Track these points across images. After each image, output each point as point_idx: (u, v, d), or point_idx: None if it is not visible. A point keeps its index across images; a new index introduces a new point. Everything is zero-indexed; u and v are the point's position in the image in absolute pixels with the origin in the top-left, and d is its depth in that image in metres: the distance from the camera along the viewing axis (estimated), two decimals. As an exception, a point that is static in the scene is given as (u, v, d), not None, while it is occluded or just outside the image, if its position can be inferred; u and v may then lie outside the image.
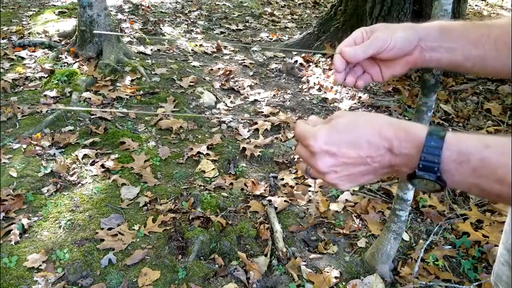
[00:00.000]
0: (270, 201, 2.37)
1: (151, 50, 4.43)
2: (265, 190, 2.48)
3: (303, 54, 4.57)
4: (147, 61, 4.09)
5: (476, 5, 8.66)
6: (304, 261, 2.00)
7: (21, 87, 3.41)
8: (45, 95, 3.27)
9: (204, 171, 2.60)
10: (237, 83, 3.93)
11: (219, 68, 4.19)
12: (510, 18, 0.67)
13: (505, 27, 0.66)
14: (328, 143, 0.53)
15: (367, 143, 0.52)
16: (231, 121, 3.24)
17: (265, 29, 5.78)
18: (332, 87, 3.82)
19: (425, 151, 0.49)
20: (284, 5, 7.32)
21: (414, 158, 0.50)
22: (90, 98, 3.29)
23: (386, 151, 0.52)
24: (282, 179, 2.58)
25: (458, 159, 0.48)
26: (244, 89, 3.82)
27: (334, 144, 0.53)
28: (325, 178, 0.57)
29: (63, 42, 4.31)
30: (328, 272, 1.94)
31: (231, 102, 3.55)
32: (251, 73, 4.18)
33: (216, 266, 1.95)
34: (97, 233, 2.07)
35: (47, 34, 4.54)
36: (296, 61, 4.38)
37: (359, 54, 0.68)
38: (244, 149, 2.82)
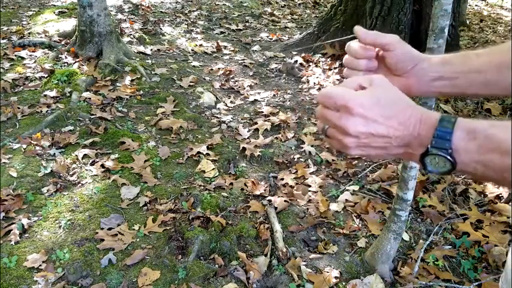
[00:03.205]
0: (270, 201, 2.37)
1: (151, 50, 4.43)
2: (265, 190, 2.48)
3: (303, 54, 4.57)
4: (147, 61, 4.09)
5: (476, 5, 8.66)
6: (304, 261, 2.00)
7: (21, 87, 3.41)
8: (45, 95, 3.27)
9: (204, 171, 2.60)
10: (237, 83, 3.93)
11: (219, 68, 4.19)
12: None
13: (507, 53, 0.67)
14: (369, 109, 0.54)
15: (398, 124, 0.54)
16: (231, 121, 3.24)
17: (265, 29, 5.78)
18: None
19: (439, 130, 0.52)
20: (284, 5, 7.33)
21: (428, 138, 0.53)
22: (90, 98, 3.29)
23: (410, 133, 0.55)
24: (282, 179, 2.59)
25: (466, 137, 0.52)
26: (244, 89, 3.82)
27: (373, 113, 0.54)
28: (344, 140, 0.56)
29: (63, 42, 4.32)
30: (328, 272, 1.94)
31: (231, 102, 3.55)
32: (251, 73, 4.18)
33: (216, 266, 1.95)
34: (97, 233, 2.07)
35: (47, 34, 4.54)
36: (296, 61, 4.38)
37: (371, 34, 0.69)
38: (244, 149, 2.82)
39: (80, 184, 2.42)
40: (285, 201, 2.37)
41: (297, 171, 2.66)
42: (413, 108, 0.56)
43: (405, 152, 0.57)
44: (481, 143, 0.51)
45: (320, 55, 4.55)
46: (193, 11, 6.23)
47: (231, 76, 4.05)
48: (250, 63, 4.40)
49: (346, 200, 2.42)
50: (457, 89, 0.70)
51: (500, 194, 2.44)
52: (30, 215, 2.16)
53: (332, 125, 0.58)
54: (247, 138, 3.02)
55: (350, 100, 0.54)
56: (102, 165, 2.55)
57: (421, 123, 0.54)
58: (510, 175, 0.50)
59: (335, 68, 4.23)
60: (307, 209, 2.35)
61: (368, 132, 0.55)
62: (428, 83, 0.70)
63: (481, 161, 0.51)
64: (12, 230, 2.04)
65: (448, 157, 0.52)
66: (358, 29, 0.69)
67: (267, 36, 5.42)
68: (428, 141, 0.53)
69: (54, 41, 4.33)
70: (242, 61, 4.46)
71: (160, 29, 5.16)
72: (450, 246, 2.12)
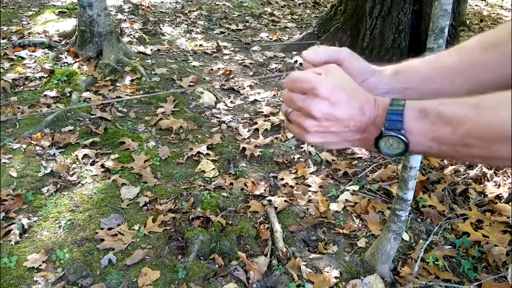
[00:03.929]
0: (270, 201, 2.37)
1: (151, 50, 4.43)
2: (265, 190, 2.48)
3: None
4: (147, 61, 4.09)
5: (476, 5, 8.66)
6: (304, 261, 2.00)
7: (21, 87, 3.41)
8: (45, 95, 3.27)
9: (204, 171, 2.60)
10: (237, 83, 3.93)
11: (219, 68, 4.19)
12: (462, 46, 0.69)
13: (459, 57, 0.68)
14: (333, 92, 0.55)
15: (358, 108, 0.56)
16: (231, 121, 3.24)
17: (265, 29, 5.78)
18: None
19: (390, 111, 0.54)
20: (284, 5, 7.32)
21: (382, 121, 0.55)
22: (90, 98, 3.29)
23: (367, 118, 0.56)
24: (282, 179, 2.59)
25: (418, 116, 0.53)
26: (244, 89, 3.82)
27: (337, 96, 0.55)
28: (305, 122, 0.57)
29: (63, 42, 4.32)
30: (328, 272, 1.94)
31: (231, 102, 3.55)
32: (251, 73, 4.18)
33: (216, 266, 1.95)
34: (97, 233, 2.07)
35: (47, 34, 4.54)
36: (296, 61, 4.38)
37: (319, 54, 0.68)
38: (244, 149, 2.82)
39: (80, 184, 2.42)
40: (285, 201, 2.37)
41: (297, 171, 2.66)
42: (368, 94, 0.58)
43: (362, 138, 0.58)
44: (433, 120, 0.52)
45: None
46: (193, 11, 6.23)
47: (231, 76, 4.05)
48: (250, 63, 4.40)
49: (346, 200, 2.42)
50: (409, 100, 0.70)
51: (500, 194, 2.44)
52: (30, 215, 2.16)
53: (296, 107, 0.58)
54: (247, 138, 3.02)
55: (316, 83, 0.55)
56: (102, 165, 2.55)
57: (375, 107, 0.56)
58: (463, 148, 0.51)
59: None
60: (307, 209, 2.35)
61: (330, 114, 0.55)
62: (380, 96, 0.69)
63: (435, 138, 0.52)
64: (12, 230, 2.04)
65: (401, 137, 0.53)
66: (305, 54, 0.69)
67: (267, 36, 5.42)
68: (382, 124, 0.54)
69: (54, 41, 4.33)
70: (242, 61, 4.46)
71: (160, 29, 5.16)
72: (450, 246, 2.12)
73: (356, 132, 0.57)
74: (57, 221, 2.14)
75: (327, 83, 0.56)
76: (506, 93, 0.50)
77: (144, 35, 4.75)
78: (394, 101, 0.55)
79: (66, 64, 3.81)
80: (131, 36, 4.70)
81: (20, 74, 3.59)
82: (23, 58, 3.91)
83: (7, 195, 2.23)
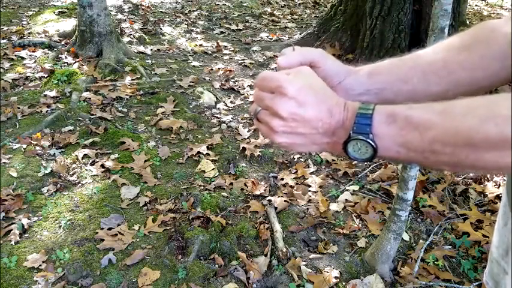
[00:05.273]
0: (270, 201, 2.37)
1: (151, 50, 4.43)
2: (265, 190, 2.48)
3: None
4: (147, 61, 4.09)
5: (476, 5, 8.66)
6: (304, 261, 2.00)
7: (21, 87, 3.41)
8: (45, 95, 3.27)
9: (204, 171, 2.61)
10: (237, 83, 3.93)
11: (219, 68, 4.19)
12: (438, 45, 0.68)
13: (434, 56, 0.67)
14: (301, 92, 0.55)
15: (326, 110, 0.55)
16: (231, 121, 3.25)
17: (265, 29, 5.78)
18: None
19: (359, 115, 0.53)
20: (284, 5, 7.32)
21: (350, 123, 0.54)
22: (90, 98, 3.29)
23: (336, 121, 0.55)
24: (282, 179, 2.59)
25: (386, 120, 0.52)
26: (244, 89, 3.82)
27: (305, 95, 0.55)
28: (272, 122, 0.56)
29: (63, 42, 4.32)
30: (328, 272, 1.94)
31: (231, 102, 3.55)
32: (251, 73, 4.18)
33: (216, 266, 1.95)
34: (97, 233, 2.07)
35: (47, 34, 4.54)
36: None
37: (294, 57, 0.66)
38: (244, 149, 2.82)
39: (80, 184, 2.42)
40: (285, 201, 2.37)
41: (297, 171, 2.66)
42: (338, 97, 0.57)
43: (330, 141, 0.57)
44: (402, 125, 0.51)
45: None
46: (193, 11, 6.23)
47: (231, 76, 4.05)
48: (250, 63, 4.40)
49: (346, 200, 2.42)
50: (385, 101, 0.68)
51: (500, 194, 2.44)
52: (30, 215, 2.16)
53: (264, 106, 0.57)
54: (247, 138, 3.02)
55: (284, 82, 0.55)
56: (102, 165, 2.55)
57: (345, 110, 0.55)
58: (431, 155, 0.50)
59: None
60: (307, 209, 2.35)
61: (297, 114, 0.54)
62: (356, 97, 0.69)
63: (403, 144, 0.52)
64: (12, 230, 2.04)
65: (369, 141, 0.53)
66: (280, 60, 0.67)
67: (267, 36, 5.42)
68: (351, 128, 0.54)
69: (54, 41, 4.33)
70: (242, 61, 4.46)
71: (160, 29, 5.16)
72: (450, 246, 2.12)
73: (324, 135, 0.56)
74: (57, 221, 2.14)
75: (295, 83, 0.55)
76: (474, 99, 0.49)
77: (144, 35, 4.75)
78: (364, 105, 0.54)
79: (66, 64, 3.81)
80: (131, 36, 4.70)
81: (20, 74, 3.60)
82: (23, 58, 3.91)
83: (7, 195, 2.23)
